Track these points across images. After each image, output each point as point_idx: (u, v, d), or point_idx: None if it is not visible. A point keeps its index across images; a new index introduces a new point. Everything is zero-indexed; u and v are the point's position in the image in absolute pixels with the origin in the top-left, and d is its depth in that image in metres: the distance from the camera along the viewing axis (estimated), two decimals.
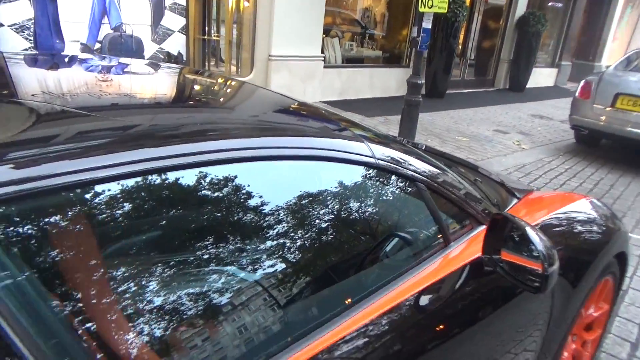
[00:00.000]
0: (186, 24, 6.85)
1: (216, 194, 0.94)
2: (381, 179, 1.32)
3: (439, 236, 1.34)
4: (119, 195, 0.78)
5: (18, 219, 0.68)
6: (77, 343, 0.70)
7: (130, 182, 0.79)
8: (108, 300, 0.78)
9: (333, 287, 1.14)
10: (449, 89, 9.93)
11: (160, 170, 0.82)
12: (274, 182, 1.09)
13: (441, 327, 1.20)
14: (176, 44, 6.76)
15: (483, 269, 1.30)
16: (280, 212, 1.06)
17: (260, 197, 1.02)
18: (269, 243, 1.04)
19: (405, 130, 5.55)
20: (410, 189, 1.35)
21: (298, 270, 1.09)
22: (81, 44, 5.80)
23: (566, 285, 1.60)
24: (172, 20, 6.69)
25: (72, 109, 1.00)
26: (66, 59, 1.79)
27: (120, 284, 0.80)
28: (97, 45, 5.87)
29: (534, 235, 1.17)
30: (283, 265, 1.06)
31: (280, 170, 1.08)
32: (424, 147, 2.27)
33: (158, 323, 0.82)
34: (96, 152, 0.76)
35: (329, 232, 1.18)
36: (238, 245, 0.99)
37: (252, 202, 1.01)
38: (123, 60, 1.84)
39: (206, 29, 7.71)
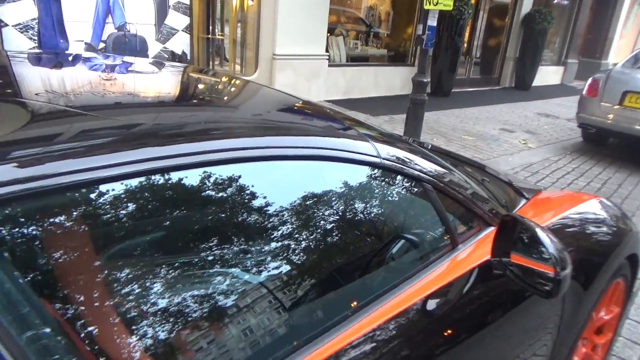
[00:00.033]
0: (190, 23, 6.83)
1: (219, 194, 0.92)
2: (387, 179, 1.29)
3: (447, 238, 1.30)
4: (122, 195, 0.77)
5: (21, 217, 0.67)
6: (82, 343, 0.70)
7: (134, 182, 0.78)
8: (111, 302, 0.77)
9: (339, 291, 1.12)
10: (455, 87, 9.86)
11: (163, 170, 0.81)
12: (277, 182, 1.06)
13: (449, 331, 1.17)
14: (180, 43, 6.74)
15: (492, 272, 1.26)
16: (283, 213, 1.04)
17: (263, 197, 1.00)
18: (272, 244, 1.01)
19: (411, 129, 5.51)
20: (416, 190, 1.31)
21: (303, 272, 1.07)
22: (85, 43, 5.79)
23: (577, 287, 1.56)
24: (176, 20, 6.67)
25: (75, 107, 0.99)
26: (70, 58, 1.78)
27: (123, 285, 0.79)
28: (101, 45, 5.87)
29: (545, 238, 1.13)
30: (287, 267, 1.03)
31: (284, 170, 1.05)
32: (430, 147, 2.23)
33: (161, 325, 0.81)
34: (100, 151, 0.75)
35: (333, 234, 1.16)
36: (241, 246, 0.97)
37: (255, 203, 0.99)
38: (127, 59, 1.82)
39: (210, 28, 7.70)
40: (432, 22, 5.15)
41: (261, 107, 1.45)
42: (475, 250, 1.31)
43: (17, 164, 0.67)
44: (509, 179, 2.04)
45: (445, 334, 1.16)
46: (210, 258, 0.91)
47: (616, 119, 6.02)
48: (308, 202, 1.10)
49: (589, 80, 6.46)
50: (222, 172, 0.91)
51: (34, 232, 0.68)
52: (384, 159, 1.16)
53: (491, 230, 1.38)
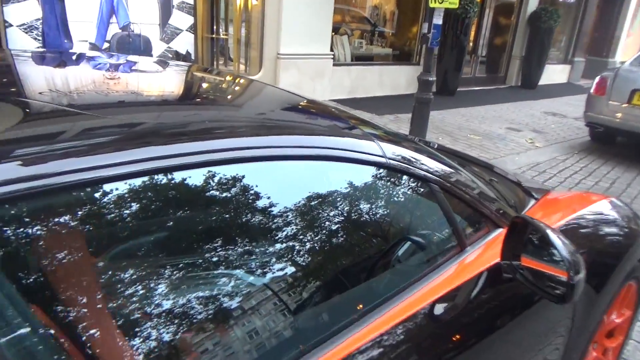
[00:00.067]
0: (194, 22, 6.82)
1: (222, 194, 0.90)
2: (392, 180, 1.25)
3: (454, 240, 1.26)
4: (124, 194, 0.76)
5: (24, 216, 0.66)
6: (86, 342, 0.70)
7: (137, 181, 0.77)
8: (113, 302, 0.76)
9: (345, 294, 1.09)
10: (460, 86, 9.81)
11: (166, 170, 0.79)
12: (280, 183, 1.04)
13: (458, 336, 1.14)
14: (184, 43, 6.73)
15: (502, 276, 1.22)
16: (287, 214, 1.01)
17: (267, 197, 0.97)
18: (275, 246, 0.99)
19: (416, 129, 5.47)
20: (423, 190, 1.28)
21: (308, 274, 1.04)
22: (89, 43, 5.79)
23: (589, 290, 1.52)
24: (180, 19, 6.66)
25: (79, 106, 0.98)
26: (74, 57, 1.77)
27: (126, 286, 0.77)
28: (106, 45, 5.87)
29: (556, 240, 1.09)
30: (292, 269, 1.01)
31: (288, 170, 1.03)
32: (436, 146, 2.20)
33: (163, 326, 0.79)
34: (103, 150, 0.74)
35: (338, 235, 1.13)
36: (244, 247, 0.95)
37: (258, 203, 0.96)
38: (131, 58, 1.80)
39: (214, 27, 7.69)
40: (438, 20, 5.11)
41: (265, 106, 1.43)
42: (484, 253, 1.27)
43: (20, 163, 0.66)
44: (517, 178, 2.00)
45: (454, 339, 1.13)
46: (213, 259, 0.89)
47: (624, 117, 5.95)
48: (312, 203, 1.07)
49: (597, 79, 6.39)
50: (225, 171, 0.89)
51: (36, 231, 0.67)
52: (389, 158, 1.13)
53: (500, 231, 1.34)
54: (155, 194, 0.81)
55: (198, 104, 1.28)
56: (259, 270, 0.97)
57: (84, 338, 0.70)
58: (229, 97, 1.50)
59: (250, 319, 0.90)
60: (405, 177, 1.25)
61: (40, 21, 5.36)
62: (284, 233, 1.00)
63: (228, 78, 1.80)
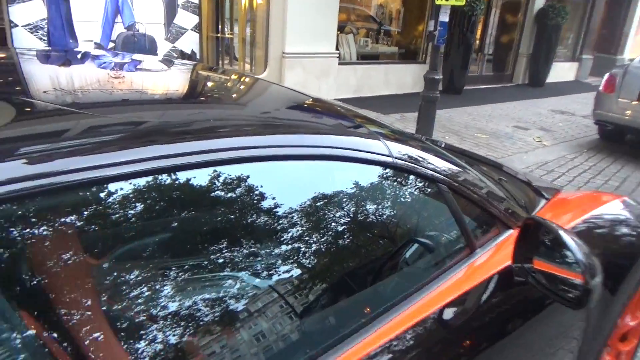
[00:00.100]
0: (199, 22, 6.80)
1: (225, 194, 0.88)
2: (399, 180, 1.22)
3: (463, 242, 1.22)
4: (127, 193, 0.75)
5: (29, 214, 0.66)
6: (91, 342, 0.69)
7: (141, 180, 0.76)
8: (116, 303, 0.75)
9: (352, 298, 1.07)
10: (467, 84, 9.75)
11: (169, 169, 0.78)
12: (285, 183, 1.01)
13: (468, 342, 1.10)
14: (189, 43, 6.72)
15: (513, 279, 1.18)
16: (291, 214, 0.99)
17: (270, 198, 0.95)
18: (279, 248, 0.97)
19: (423, 128, 5.42)
20: (430, 190, 1.25)
21: (312, 277, 1.02)
22: (95, 43, 5.79)
23: (604, 293, 1.47)
24: (185, 19, 6.65)
25: (84, 105, 0.98)
26: (79, 55, 1.76)
27: (128, 286, 0.76)
28: (111, 45, 5.87)
29: (571, 242, 1.05)
30: (296, 272, 0.99)
31: (292, 170, 1.00)
32: (443, 145, 2.15)
33: (166, 328, 0.78)
34: (108, 149, 0.73)
35: (343, 237, 1.10)
36: (247, 248, 0.93)
37: (262, 204, 0.94)
38: (135, 56, 1.78)
39: (219, 27, 7.67)
40: (444, 17, 5.06)
41: (270, 105, 1.41)
42: (494, 255, 1.23)
43: (25, 161, 0.65)
44: (527, 178, 1.95)
45: (465, 344, 1.10)
46: (217, 260, 0.88)
47: (634, 115, 5.87)
48: (317, 204, 1.04)
49: (606, 76, 6.31)
50: (228, 171, 0.87)
51: (39, 230, 0.66)
52: (396, 158, 1.10)
53: (510, 233, 1.31)
54: (159, 193, 0.79)
55: (203, 103, 1.26)
56: (264, 272, 0.94)
57: (89, 338, 0.69)
58: (234, 95, 1.48)
59: (255, 322, 0.88)
60: (412, 177, 1.21)
61: (46, 21, 5.36)
62: (289, 234, 0.98)
63: (233, 77, 1.78)
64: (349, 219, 1.11)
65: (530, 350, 1.29)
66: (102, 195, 0.73)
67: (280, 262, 0.96)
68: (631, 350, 1.96)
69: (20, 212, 0.64)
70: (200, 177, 0.83)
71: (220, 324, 0.85)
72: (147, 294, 0.77)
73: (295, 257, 0.98)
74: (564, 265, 1.07)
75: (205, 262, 0.87)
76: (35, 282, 0.67)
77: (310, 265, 1.01)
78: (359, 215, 1.14)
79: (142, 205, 0.77)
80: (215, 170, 0.85)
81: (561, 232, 1.08)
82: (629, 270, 1.59)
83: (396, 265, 1.17)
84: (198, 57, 6.84)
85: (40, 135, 0.77)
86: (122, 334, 0.74)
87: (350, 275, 1.11)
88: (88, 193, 0.71)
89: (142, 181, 0.76)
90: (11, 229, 0.64)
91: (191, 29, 6.70)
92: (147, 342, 0.75)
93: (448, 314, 1.07)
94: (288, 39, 6.80)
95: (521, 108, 8.86)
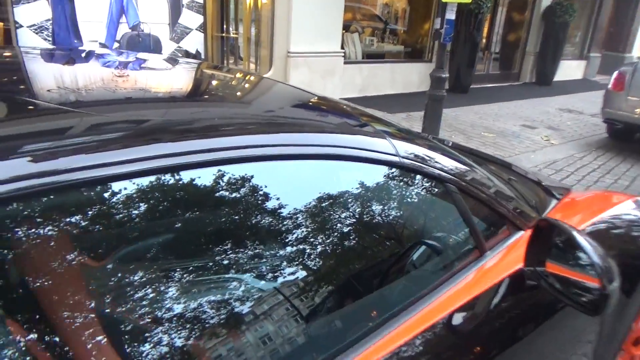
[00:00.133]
0: (204, 21, 6.80)
1: (228, 193, 0.86)
2: (406, 179, 1.18)
3: (472, 244, 1.18)
4: (129, 192, 0.73)
5: (32, 213, 0.65)
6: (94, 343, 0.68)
7: (143, 179, 0.74)
8: (117, 304, 0.73)
9: (359, 303, 1.04)
10: (473, 83, 9.68)
11: (172, 168, 0.76)
12: (289, 182, 0.98)
13: (478, 349, 1.06)
14: (194, 42, 6.71)
15: (524, 283, 1.14)
16: (295, 215, 0.96)
17: (273, 198, 0.92)
18: (282, 249, 0.94)
19: (429, 127, 5.38)
20: (438, 190, 1.21)
21: (316, 280, 0.99)
22: (99, 43, 5.80)
23: (620, 295, 1.42)
24: (190, 18, 6.64)
25: (88, 103, 0.97)
26: (83, 54, 1.75)
27: (130, 287, 0.75)
28: (116, 45, 5.87)
29: (586, 244, 1.01)
30: (300, 275, 0.96)
31: (297, 170, 0.98)
32: (450, 144, 2.11)
33: (168, 329, 0.76)
34: (112, 147, 0.71)
35: (349, 239, 1.07)
36: (251, 249, 0.90)
37: (264, 204, 0.91)
38: (140, 55, 1.76)
39: (224, 26, 7.65)
40: (451, 15, 5.01)
41: (274, 103, 1.38)
42: (505, 258, 1.19)
43: (29, 160, 0.64)
44: (537, 177, 1.90)
45: (475, 350, 1.06)
46: (219, 261, 0.85)
47: None
48: (322, 204, 1.01)
49: (615, 74, 6.24)
50: (231, 170, 0.84)
51: (41, 229, 0.65)
52: (402, 157, 1.06)
53: (521, 234, 1.26)
54: (161, 192, 0.77)
55: (207, 101, 1.24)
56: (268, 274, 0.92)
57: (92, 338, 0.68)
58: (238, 94, 1.45)
59: (258, 325, 0.85)
60: (419, 176, 1.18)
61: (51, 22, 5.37)
62: (293, 235, 0.95)
63: (238, 75, 1.75)
64: (354, 220, 1.07)
65: (542, 356, 1.25)
66: (104, 193, 0.71)
67: (284, 263, 0.93)
68: None
69: (23, 210, 0.63)
70: (202, 176, 0.81)
71: (222, 327, 0.82)
72: (148, 293, 0.75)
73: (300, 259, 0.95)
74: (579, 269, 1.02)
75: (208, 263, 0.84)
76: (35, 282, 0.66)
77: (314, 267, 0.98)
78: (364, 216, 1.11)
79: (145, 204, 0.75)
80: (218, 170, 0.82)
81: (575, 234, 1.04)
82: None
83: (403, 267, 1.14)
84: (203, 56, 6.83)
85: (43, 133, 0.76)
86: (124, 335, 0.73)
87: (356, 277, 1.08)
88: (91, 191, 0.70)
89: (145, 180, 0.74)
90: (15, 227, 0.63)
91: (196, 29, 6.69)
92: (147, 344, 0.73)
93: (458, 319, 1.03)
94: (293, 38, 6.77)
95: (528, 107, 8.79)
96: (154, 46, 6.07)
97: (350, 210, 1.07)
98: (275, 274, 0.93)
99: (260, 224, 0.91)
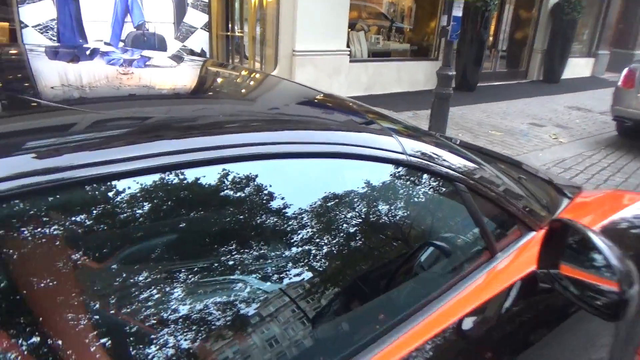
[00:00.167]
0: (209, 20, 6.79)
1: (231, 192, 0.84)
2: (413, 178, 1.14)
3: (483, 245, 1.14)
4: (134, 190, 0.72)
5: (34, 210, 0.64)
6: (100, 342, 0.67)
7: (145, 177, 0.73)
8: (119, 304, 0.72)
9: (365, 307, 1.00)
10: (480, 81, 9.62)
11: (174, 166, 0.74)
12: (293, 181, 0.96)
13: (490, 355, 1.02)
14: (199, 41, 6.71)
15: (537, 286, 1.10)
16: (299, 215, 0.93)
17: (277, 197, 0.89)
18: (286, 249, 0.91)
19: (436, 125, 5.33)
20: (447, 190, 1.17)
21: (320, 283, 0.95)
22: (104, 43, 5.80)
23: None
24: (195, 18, 6.64)
25: (92, 100, 0.96)
26: (87, 52, 1.74)
27: (132, 287, 0.73)
28: (120, 44, 5.87)
29: (603, 246, 0.96)
30: (304, 276, 0.93)
31: (300, 168, 0.95)
32: (458, 142, 2.07)
33: (169, 331, 0.74)
34: (114, 144, 0.70)
35: (354, 240, 1.04)
36: (253, 250, 0.87)
37: (268, 203, 0.89)
38: (145, 53, 1.75)
39: (229, 25, 7.64)
40: (457, 12, 4.96)
41: (279, 101, 1.35)
42: (517, 260, 1.15)
43: (30, 156, 0.63)
44: (548, 176, 1.86)
45: (486, 356, 1.01)
46: (221, 261, 0.83)
47: None
48: (327, 204, 0.98)
49: (625, 71, 6.16)
50: (235, 168, 0.82)
51: (43, 226, 0.64)
52: (410, 155, 1.02)
53: (533, 235, 1.22)
54: (165, 190, 0.76)
55: (211, 98, 1.22)
56: (272, 275, 0.89)
57: (95, 338, 0.67)
58: (243, 91, 1.43)
59: (261, 328, 0.83)
60: (427, 175, 1.14)
61: (56, 21, 5.37)
62: (297, 235, 0.92)
63: (243, 72, 1.73)
64: (360, 220, 1.04)
65: None
66: (107, 191, 0.70)
67: (289, 264, 0.91)
68: None
69: (26, 207, 0.62)
70: (206, 174, 0.79)
71: (226, 329, 0.80)
72: (150, 293, 0.74)
73: (305, 259, 0.92)
74: (595, 271, 0.98)
75: (211, 264, 0.82)
76: (35, 281, 0.65)
77: (320, 268, 0.95)
78: (370, 216, 1.08)
79: (148, 202, 0.74)
80: (222, 168, 0.80)
81: (591, 235, 0.99)
82: None
83: (411, 269, 1.10)
84: (208, 55, 6.82)
85: (46, 130, 0.75)
86: (126, 337, 0.71)
87: (362, 279, 1.05)
88: (94, 189, 0.69)
89: (148, 178, 0.72)
90: (17, 224, 0.62)
91: (201, 28, 6.68)
92: (150, 346, 0.72)
93: (468, 324, 1.00)
94: (298, 37, 6.74)
95: (536, 105, 8.72)
96: (159, 45, 6.07)
97: (357, 209, 1.04)
98: (280, 275, 0.90)
99: (265, 223, 0.89)
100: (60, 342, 0.64)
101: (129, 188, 0.71)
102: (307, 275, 0.93)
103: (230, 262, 0.83)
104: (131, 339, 0.72)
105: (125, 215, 0.72)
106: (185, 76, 1.47)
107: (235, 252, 0.84)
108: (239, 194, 0.84)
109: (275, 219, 0.89)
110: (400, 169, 1.08)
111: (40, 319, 0.64)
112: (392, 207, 1.13)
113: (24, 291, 0.63)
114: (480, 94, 9.11)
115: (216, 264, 0.82)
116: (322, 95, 1.42)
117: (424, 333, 0.91)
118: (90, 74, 1.24)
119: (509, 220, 1.24)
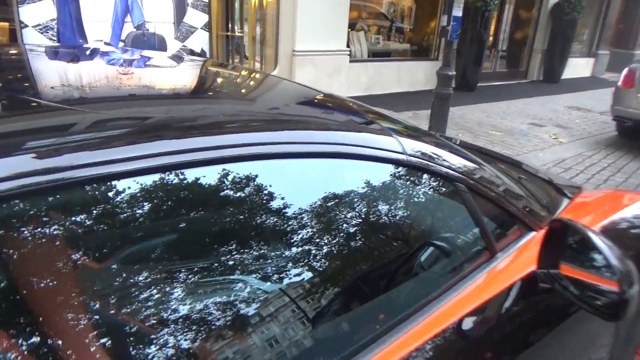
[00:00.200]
0: (209, 20, 6.78)
1: (229, 192, 0.83)
2: (413, 178, 1.14)
3: (483, 245, 1.14)
4: (133, 190, 0.71)
5: (33, 210, 0.63)
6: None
7: (146, 177, 0.72)
8: (119, 305, 0.72)
9: (364, 308, 1.00)
10: (480, 81, 9.61)
11: (174, 167, 0.74)
12: (293, 181, 0.95)
13: (490, 354, 1.02)
14: (199, 41, 6.71)
15: (537, 286, 1.10)
16: (299, 215, 0.93)
17: (277, 197, 0.89)
18: (284, 250, 0.91)
19: (436, 125, 5.33)
20: (447, 190, 1.17)
21: (321, 282, 0.95)
22: (104, 43, 5.80)
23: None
24: (195, 18, 6.64)
25: (92, 99, 0.96)
26: (87, 52, 1.73)
27: (131, 288, 0.73)
28: (120, 44, 5.87)
29: (603, 246, 0.96)
30: (303, 276, 0.92)
31: (301, 169, 0.94)
32: (458, 142, 2.06)
33: (169, 333, 0.74)
34: (113, 145, 0.70)
35: (354, 240, 1.03)
36: (253, 250, 0.87)
37: (267, 203, 0.88)
38: (145, 53, 1.74)
39: (229, 25, 7.63)
40: (457, 12, 4.96)
41: (278, 101, 1.35)
42: (516, 260, 1.15)
43: (29, 156, 0.63)
44: (548, 176, 1.85)
45: (486, 356, 1.01)
46: (220, 261, 0.82)
47: None
48: (326, 204, 0.98)
49: (625, 71, 6.15)
50: (234, 168, 0.82)
51: (43, 226, 0.64)
52: (410, 155, 1.02)
53: (533, 235, 1.22)
54: (165, 190, 0.75)
55: (211, 98, 1.22)
56: (271, 275, 0.89)
57: (96, 339, 0.67)
58: (243, 91, 1.43)
59: (260, 328, 0.82)
60: (427, 175, 1.14)
61: (56, 21, 5.37)
62: (296, 235, 0.92)
63: (243, 72, 1.72)
64: (360, 220, 1.04)
65: None
66: (106, 191, 0.69)
67: (288, 264, 0.90)
68: None
69: (26, 207, 0.62)
70: (206, 174, 0.79)
71: (225, 330, 0.80)
72: (150, 293, 0.73)
73: (304, 259, 0.92)
74: (595, 271, 0.98)
75: (211, 264, 0.82)
76: (35, 281, 0.64)
77: (319, 268, 0.95)
78: (370, 216, 1.08)
79: (147, 202, 0.74)
80: (221, 168, 0.80)
81: (591, 235, 0.99)
82: None
83: (411, 269, 1.10)
84: (208, 55, 6.81)
85: (46, 130, 0.75)
86: (125, 337, 0.71)
87: (362, 279, 1.05)
88: (93, 188, 0.68)
89: (148, 178, 0.72)
90: (17, 224, 0.62)
91: (201, 28, 6.68)
92: (149, 346, 0.71)
93: (468, 324, 0.99)
94: (298, 37, 6.73)
95: (536, 105, 8.71)
96: (159, 45, 6.06)
97: (356, 209, 1.04)
98: (280, 275, 0.90)
99: (265, 223, 0.88)
100: (60, 342, 0.64)
101: (129, 188, 0.70)
102: (307, 275, 0.92)
103: (230, 262, 0.83)
104: (131, 339, 0.72)
105: (125, 215, 0.71)
106: (185, 76, 1.46)
107: (235, 252, 0.84)
108: (239, 194, 0.84)
109: (275, 219, 0.89)
110: (400, 169, 1.08)
111: (40, 318, 0.63)
112: (392, 207, 1.13)
113: (24, 291, 0.63)
114: (480, 94, 9.10)
115: (216, 264, 0.82)
116: (322, 95, 1.41)
117: (424, 333, 0.91)
118: (90, 74, 1.24)
119: (509, 220, 1.24)
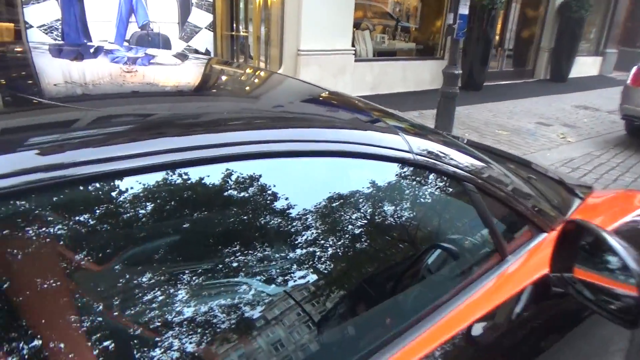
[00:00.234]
0: (213, 20, 6.78)
1: (231, 191, 0.81)
2: (420, 178, 1.10)
3: (493, 247, 1.10)
4: (136, 187, 0.70)
5: (36, 207, 0.63)
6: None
7: (147, 176, 0.71)
8: (121, 305, 0.71)
9: (371, 312, 0.97)
10: (486, 80, 9.56)
11: (177, 164, 0.72)
12: (297, 180, 0.93)
13: None
14: (204, 41, 6.70)
15: (549, 290, 1.06)
16: (303, 215, 0.90)
17: (281, 197, 0.86)
18: (288, 250, 0.88)
19: (442, 124, 5.29)
20: (455, 190, 1.14)
21: (326, 285, 0.92)
22: (109, 43, 5.80)
23: None
24: (200, 17, 6.63)
25: (95, 97, 0.96)
26: (91, 50, 1.71)
27: (132, 289, 0.72)
28: (125, 44, 5.87)
29: (620, 248, 0.92)
30: (307, 279, 0.90)
31: (305, 167, 0.92)
32: (465, 141, 2.02)
33: (170, 334, 0.72)
34: (116, 141, 0.69)
35: (359, 241, 1.00)
36: (256, 251, 0.84)
37: (269, 203, 0.86)
38: (149, 51, 1.74)
39: (234, 25, 7.62)
40: (464, 10, 4.92)
41: (283, 98, 1.33)
42: (527, 263, 1.11)
43: (32, 153, 0.62)
44: (559, 176, 1.81)
45: None
46: (222, 262, 0.80)
47: None
48: (331, 204, 0.95)
49: (634, 69, 6.09)
50: (237, 167, 0.80)
51: (45, 223, 0.63)
52: (416, 154, 0.99)
53: (544, 237, 1.18)
54: (167, 188, 0.74)
55: (216, 96, 1.20)
56: (275, 277, 0.86)
57: (97, 340, 0.66)
58: (248, 88, 1.41)
59: (265, 332, 0.80)
60: (434, 174, 1.10)
61: (60, 22, 5.38)
62: (301, 236, 0.89)
63: (248, 70, 1.70)
64: (365, 221, 1.01)
65: None
66: (109, 188, 0.68)
67: (293, 266, 0.88)
68: None
69: (28, 204, 0.62)
70: (209, 173, 0.77)
71: (228, 333, 0.77)
72: (153, 294, 0.72)
73: (309, 261, 0.89)
74: (611, 274, 0.94)
75: (214, 264, 0.80)
76: (35, 281, 0.63)
77: (324, 271, 0.92)
78: (376, 217, 1.05)
79: (149, 200, 0.72)
80: (225, 166, 0.78)
81: (607, 236, 0.95)
82: None
83: (418, 272, 1.06)
84: (212, 55, 6.81)
85: (49, 127, 0.74)
86: (127, 339, 0.70)
87: (367, 282, 1.02)
88: (96, 186, 0.67)
89: (150, 175, 0.71)
90: (20, 220, 0.61)
91: (205, 28, 6.68)
92: (151, 349, 0.70)
93: (478, 329, 0.96)
94: (303, 36, 6.71)
95: (543, 104, 8.65)
96: (163, 45, 6.07)
97: (362, 210, 1.01)
98: (285, 277, 0.87)
99: (269, 223, 0.86)
100: (60, 342, 0.63)
101: (131, 186, 0.69)
102: (312, 277, 0.90)
103: (234, 263, 0.80)
104: (134, 341, 0.70)
105: (127, 212, 0.70)
106: (189, 74, 1.45)
107: (238, 253, 0.81)
108: (242, 192, 0.81)
109: (280, 219, 0.87)
110: (406, 168, 1.05)
111: (41, 318, 0.62)
112: (398, 208, 1.10)
113: (25, 290, 0.61)
114: (486, 93, 9.05)
115: (219, 264, 0.79)
116: (327, 92, 1.38)
117: (432, 339, 0.88)
118: (94, 72, 1.23)
119: (519, 221, 1.20)
